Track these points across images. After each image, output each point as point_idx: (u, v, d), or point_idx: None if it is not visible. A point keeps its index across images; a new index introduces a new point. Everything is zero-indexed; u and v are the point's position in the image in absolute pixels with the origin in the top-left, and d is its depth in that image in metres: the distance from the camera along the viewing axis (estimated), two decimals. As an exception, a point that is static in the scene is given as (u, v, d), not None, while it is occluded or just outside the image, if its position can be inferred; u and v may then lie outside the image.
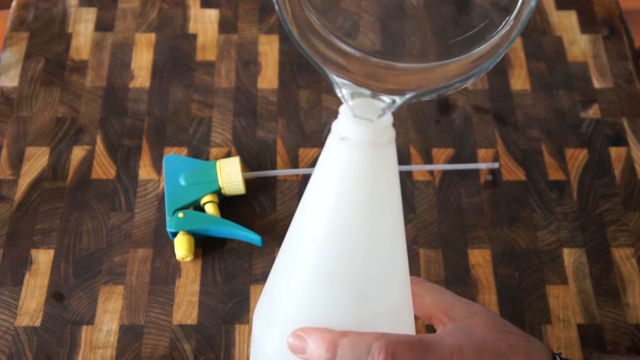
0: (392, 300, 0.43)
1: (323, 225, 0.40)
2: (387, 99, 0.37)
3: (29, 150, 0.69)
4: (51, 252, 0.64)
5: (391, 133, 0.38)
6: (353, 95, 0.37)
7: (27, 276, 0.63)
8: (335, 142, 0.38)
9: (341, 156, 0.38)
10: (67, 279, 0.63)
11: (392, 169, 0.39)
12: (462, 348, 0.43)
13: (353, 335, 0.40)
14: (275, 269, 0.45)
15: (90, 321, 0.61)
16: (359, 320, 0.42)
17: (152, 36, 0.77)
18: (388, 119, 0.38)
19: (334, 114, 0.71)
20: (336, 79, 0.37)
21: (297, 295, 0.42)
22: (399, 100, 0.37)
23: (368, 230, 0.40)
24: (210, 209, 0.64)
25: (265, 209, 0.67)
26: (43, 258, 0.63)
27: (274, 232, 0.65)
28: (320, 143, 0.70)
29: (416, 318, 0.47)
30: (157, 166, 0.69)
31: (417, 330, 0.49)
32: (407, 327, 0.45)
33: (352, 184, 0.38)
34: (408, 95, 0.37)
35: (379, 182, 0.39)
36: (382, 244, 0.41)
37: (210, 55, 0.76)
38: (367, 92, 0.37)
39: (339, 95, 0.37)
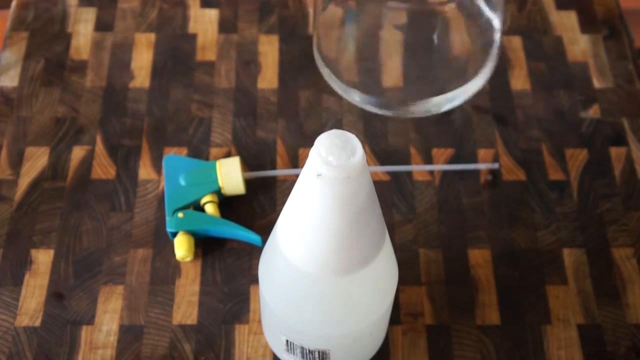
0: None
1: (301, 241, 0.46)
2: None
3: (29, 150, 0.69)
4: (51, 252, 0.64)
5: (363, 164, 0.43)
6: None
7: (27, 276, 0.63)
8: (311, 177, 0.43)
9: (318, 190, 0.43)
10: (67, 279, 0.63)
11: (366, 191, 0.44)
12: None
13: None
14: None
15: (90, 321, 0.61)
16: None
17: (152, 36, 0.77)
18: (360, 156, 0.42)
19: (334, 114, 0.71)
20: None
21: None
22: None
23: (343, 242, 0.46)
24: (210, 209, 0.64)
25: (265, 209, 0.67)
26: (43, 258, 0.63)
27: (274, 232, 0.65)
28: (320, 143, 0.70)
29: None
30: (157, 166, 0.69)
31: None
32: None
33: (328, 210, 0.44)
34: None
35: (353, 204, 0.44)
36: (360, 250, 0.46)
37: (210, 55, 0.76)
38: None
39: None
